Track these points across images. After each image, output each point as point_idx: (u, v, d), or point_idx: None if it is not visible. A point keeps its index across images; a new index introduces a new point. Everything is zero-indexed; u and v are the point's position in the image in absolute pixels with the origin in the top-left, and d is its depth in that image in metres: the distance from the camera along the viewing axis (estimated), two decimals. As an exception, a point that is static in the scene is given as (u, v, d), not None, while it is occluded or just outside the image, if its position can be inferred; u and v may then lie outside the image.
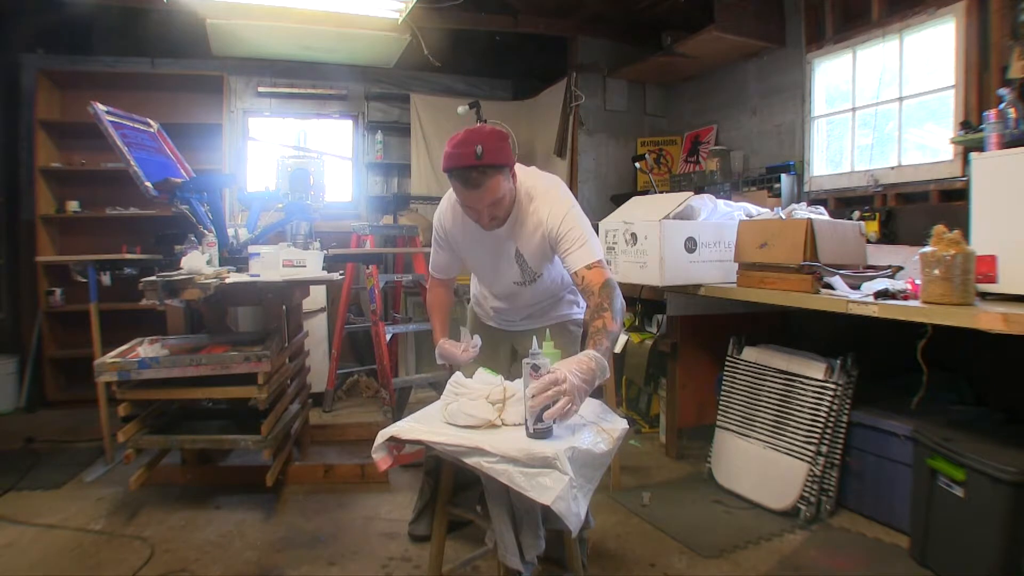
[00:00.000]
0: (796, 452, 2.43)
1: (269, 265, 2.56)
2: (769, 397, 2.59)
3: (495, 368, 1.89)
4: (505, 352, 2.14)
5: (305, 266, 2.65)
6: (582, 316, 2.10)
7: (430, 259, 2.07)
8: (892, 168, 3.00)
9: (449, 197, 1.89)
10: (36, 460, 3.02)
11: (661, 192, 3.85)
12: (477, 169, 1.62)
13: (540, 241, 1.79)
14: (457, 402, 1.55)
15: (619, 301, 1.67)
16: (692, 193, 2.75)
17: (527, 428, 1.43)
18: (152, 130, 3.22)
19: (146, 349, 2.53)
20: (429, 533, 1.69)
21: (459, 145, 1.63)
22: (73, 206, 4.17)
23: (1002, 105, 2.28)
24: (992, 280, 1.87)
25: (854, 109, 3.23)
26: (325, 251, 2.93)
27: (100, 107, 2.83)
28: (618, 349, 3.31)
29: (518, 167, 1.76)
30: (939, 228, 1.81)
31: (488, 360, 1.99)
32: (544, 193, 1.79)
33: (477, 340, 1.88)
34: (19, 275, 4.23)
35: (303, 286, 2.98)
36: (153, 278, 2.28)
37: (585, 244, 1.74)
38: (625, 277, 2.69)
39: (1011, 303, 1.81)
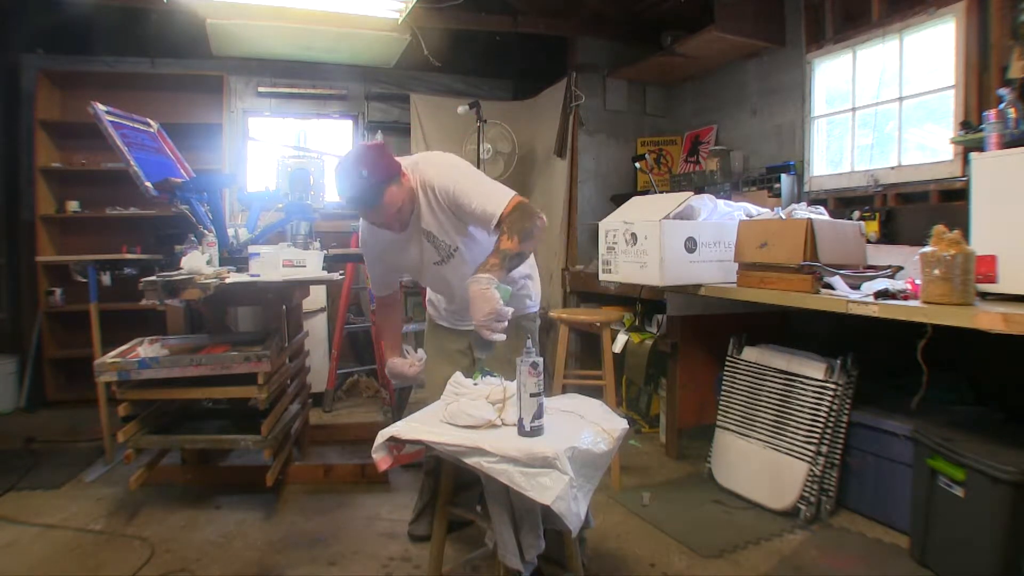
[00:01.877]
0: (796, 452, 2.43)
1: (269, 265, 2.56)
2: (769, 397, 2.59)
3: (453, 367, 1.93)
4: (461, 349, 2.12)
5: (305, 266, 2.65)
6: (536, 310, 2.14)
7: (370, 280, 2.15)
8: (892, 168, 3.00)
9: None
10: (36, 460, 3.02)
11: (661, 192, 3.84)
12: (368, 193, 1.69)
13: (439, 210, 1.81)
14: (457, 402, 1.55)
15: (525, 220, 1.69)
16: (692, 193, 2.74)
17: (521, 427, 1.45)
18: (152, 130, 3.22)
19: (146, 349, 2.53)
20: (429, 533, 1.69)
21: (343, 177, 1.70)
22: (73, 206, 4.17)
23: (1002, 105, 2.28)
24: (992, 280, 1.87)
25: (854, 109, 3.23)
26: (325, 251, 2.92)
27: (100, 107, 2.83)
28: (618, 349, 3.31)
29: (402, 160, 1.80)
30: (939, 228, 1.81)
31: (447, 360, 2.04)
32: (426, 165, 1.83)
33: (421, 354, 1.98)
34: (19, 275, 4.23)
35: (303, 286, 2.98)
36: (153, 278, 2.28)
37: (485, 193, 1.74)
38: (625, 277, 2.69)
39: (1011, 303, 1.81)
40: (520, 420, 1.46)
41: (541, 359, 1.49)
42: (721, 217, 2.72)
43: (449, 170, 1.82)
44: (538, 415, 1.47)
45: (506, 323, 1.59)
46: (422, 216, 1.83)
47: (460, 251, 1.87)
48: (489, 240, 1.87)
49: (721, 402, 2.79)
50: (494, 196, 1.73)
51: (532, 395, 1.46)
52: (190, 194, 2.74)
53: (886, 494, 2.32)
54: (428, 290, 2.19)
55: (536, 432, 1.45)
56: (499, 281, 1.60)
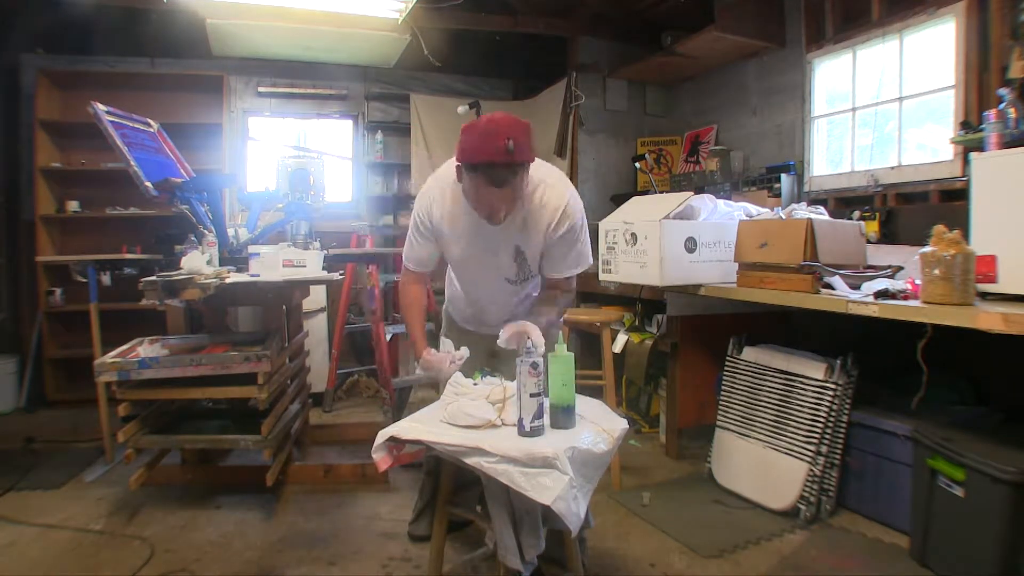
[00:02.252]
0: (796, 452, 2.43)
1: (269, 265, 2.56)
2: (769, 397, 2.59)
3: (472, 373, 1.90)
4: (481, 357, 2.01)
5: (305, 266, 2.65)
6: (560, 320, 2.09)
7: (406, 250, 1.90)
8: (892, 168, 3.00)
9: (439, 186, 1.76)
10: (36, 460, 3.02)
11: (661, 192, 3.84)
12: (507, 167, 1.49)
13: (546, 236, 1.72)
14: (457, 402, 1.55)
15: (569, 302, 1.79)
16: (692, 193, 2.74)
17: (521, 427, 1.46)
18: (152, 130, 3.22)
19: (146, 349, 2.53)
20: (429, 533, 1.69)
21: (487, 137, 1.48)
22: (73, 206, 4.17)
23: (1002, 105, 2.28)
24: (992, 280, 1.87)
25: (854, 109, 3.23)
26: (325, 251, 2.92)
27: (100, 107, 2.83)
28: (618, 349, 3.31)
29: None
30: (939, 228, 1.81)
31: (466, 366, 1.91)
32: (553, 185, 1.71)
33: (464, 352, 1.76)
34: (19, 275, 4.23)
35: (303, 286, 2.98)
36: (153, 278, 2.28)
37: (582, 257, 1.77)
38: (625, 277, 2.69)
39: (1011, 303, 1.81)
40: (520, 420, 1.47)
41: (542, 360, 1.50)
42: (721, 217, 2.72)
43: (578, 207, 1.74)
44: (538, 415, 1.48)
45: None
46: (525, 234, 1.72)
47: (535, 277, 1.85)
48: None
49: (721, 402, 2.79)
50: (587, 256, 1.80)
51: (532, 395, 1.46)
52: (190, 194, 2.74)
53: (886, 494, 2.31)
54: (453, 292, 2.06)
55: (536, 432, 1.46)
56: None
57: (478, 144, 1.50)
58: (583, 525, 1.51)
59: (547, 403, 1.61)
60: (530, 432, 1.46)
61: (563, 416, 1.50)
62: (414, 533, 2.25)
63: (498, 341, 1.67)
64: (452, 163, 1.70)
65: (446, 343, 1.80)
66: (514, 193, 1.56)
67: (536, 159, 1.69)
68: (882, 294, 1.95)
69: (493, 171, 1.50)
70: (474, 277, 1.89)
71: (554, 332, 1.65)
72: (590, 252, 1.80)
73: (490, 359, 2.04)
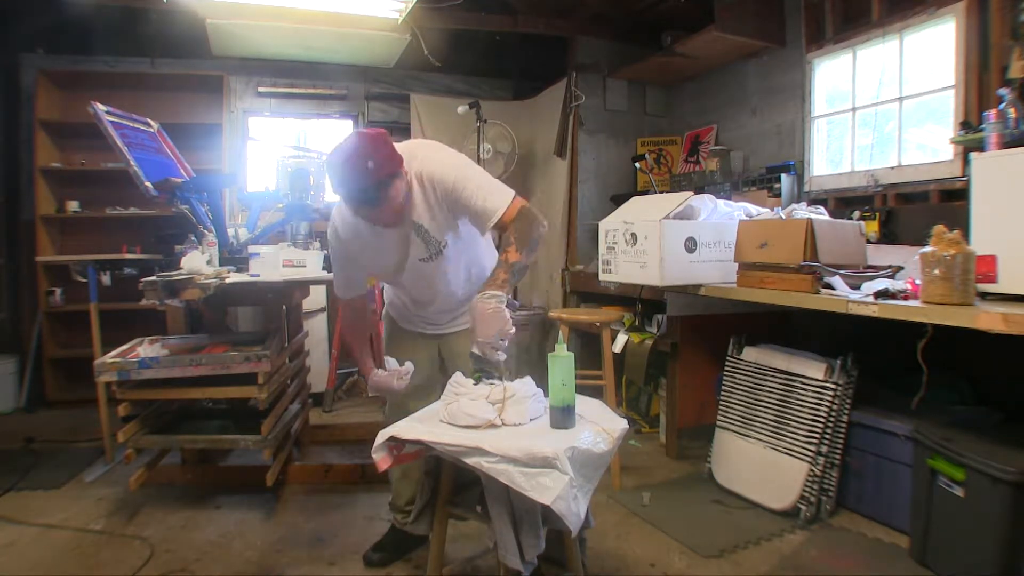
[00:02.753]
0: (796, 452, 2.43)
1: (269, 265, 2.56)
2: (769, 397, 2.59)
3: (422, 374, 1.92)
4: (431, 357, 2.05)
5: (305, 266, 2.65)
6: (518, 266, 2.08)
7: (334, 281, 1.97)
8: (892, 168, 3.00)
9: (338, 211, 1.83)
10: (36, 460, 3.02)
11: (661, 192, 3.85)
12: (373, 187, 1.55)
13: (435, 203, 1.72)
14: (457, 402, 1.55)
15: (531, 230, 1.64)
16: (692, 193, 2.74)
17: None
18: (152, 130, 3.22)
19: (146, 349, 2.53)
20: (429, 533, 1.69)
21: (347, 166, 1.55)
22: (73, 206, 4.17)
23: (1002, 105, 2.28)
24: (992, 280, 1.87)
25: (854, 109, 3.23)
26: (325, 251, 2.92)
27: (100, 107, 2.83)
28: (618, 349, 3.31)
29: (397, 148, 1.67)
30: (939, 228, 1.80)
31: (414, 366, 1.94)
32: (423, 157, 1.72)
33: (409, 366, 1.84)
34: (19, 275, 4.23)
35: (303, 286, 2.99)
36: (153, 278, 2.28)
37: (486, 189, 1.67)
38: (625, 277, 2.69)
39: (1011, 303, 1.81)
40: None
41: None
42: (721, 217, 2.72)
43: (450, 161, 1.74)
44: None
45: (507, 343, 1.56)
46: (415, 208, 1.74)
47: (448, 247, 1.81)
48: (473, 238, 1.86)
49: (721, 402, 2.79)
50: (495, 194, 1.67)
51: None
52: (190, 194, 2.74)
53: (886, 494, 2.32)
54: (392, 291, 2.08)
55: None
56: (507, 297, 1.56)
57: (340, 177, 1.57)
58: (583, 525, 1.51)
59: (546, 401, 1.62)
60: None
61: (563, 416, 1.50)
62: (414, 533, 2.24)
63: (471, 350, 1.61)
64: None
65: (390, 361, 1.87)
66: (391, 204, 1.62)
67: (411, 141, 1.80)
68: (882, 294, 1.95)
69: (360, 196, 1.58)
70: (397, 274, 1.90)
71: (514, 278, 1.61)
72: (497, 189, 1.70)
73: (437, 359, 2.07)
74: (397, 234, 1.79)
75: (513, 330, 1.56)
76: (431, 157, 1.74)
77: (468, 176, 1.70)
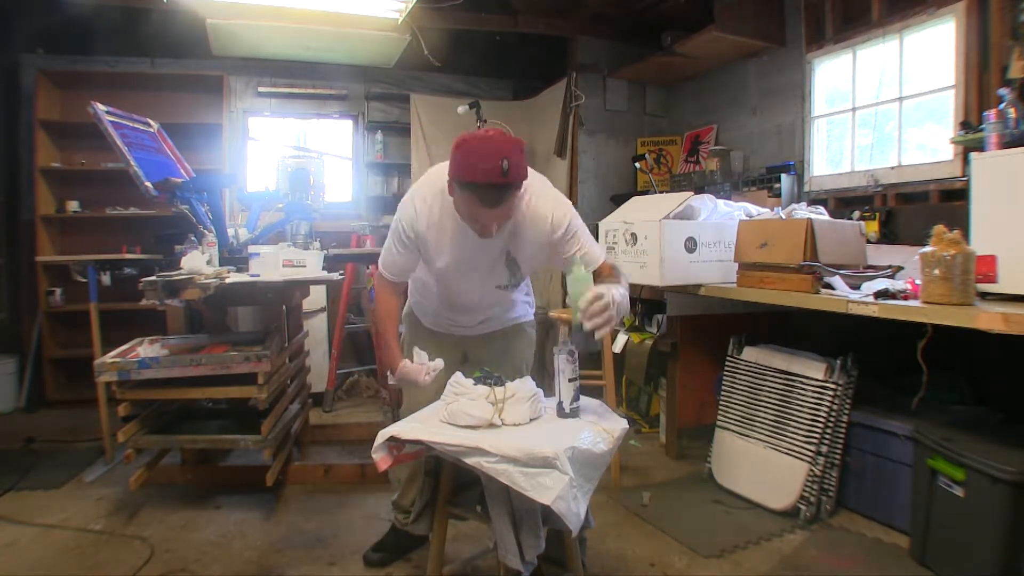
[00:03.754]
0: (796, 452, 2.43)
1: (269, 265, 2.56)
2: (769, 397, 2.59)
3: (447, 373, 1.88)
4: (455, 359, 1.98)
5: (305, 266, 2.65)
6: (533, 318, 2.11)
7: (383, 258, 1.86)
8: (892, 168, 3.00)
9: (424, 196, 1.72)
10: (36, 460, 3.02)
11: (661, 192, 3.85)
12: (501, 188, 1.48)
13: (539, 243, 1.71)
14: (457, 402, 1.55)
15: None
16: (692, 193, 2.74)
17: (561, 409, 1.59)
18: (152, 130, 3.22)
19: (146, 349, 2.53)
20: (429, 533, 1.69)
21: (483, 157, 1.47)
22: (73, 206, 4.17)
23: (1002, 105, 2.28)
24: (992, 280, 1.87)
25: (854, 109, 3.23)
26: (325, 251, 2.93)
27: (100, 107, 2.83)
28: (618, 349, 3.31)
29: None
30: (939, 228, 1.81)
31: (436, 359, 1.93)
32: (540, 193, 1.70)
33: (439, 362, 1.75)
34: (19, 275, 4.23)
35: (303, 286, 2.98)
36: (153, 278, 2.28)
37: (593, 246, 1.74)
38: (625, 277, 2.69)
39: (1011, 303, 1.81)
40: (560, 403, 1.60)
41: (575, 348, 1.60)
42: (721, 217, 2.72)
43: (566, 208, 1.72)
44: (575, 399, 1.60)
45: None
46: (516, 242, 1.71)
47: (526, 280, 1.86)
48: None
49: (721, 402, 2.79)
50: (598, 248, 1.76)
51: (570, 380, 1.59)
52: (190, 194, 2.74)
53: (886, 494, 2.31)
54: (422, 292, 2.02)
55: (575, 413, 1.60)
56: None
57: (473, 163, 1.48)
58: (583, 525, 1.51)
59: (546, 401, 1.64)
60: (569, 413, 1.59)
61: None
62: (413, 533, 2.24)
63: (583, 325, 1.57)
64: (437, 172, 1.69)
65: (420, 355, 1.77)
66: (508, 212, 1.57)
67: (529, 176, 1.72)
68: (882, 294, 1.95)
69: (488, 192, 1.49)
70: (459, 285, 1.85)
71: (624, 306, 1.61)
72: (595, 242, 1.79)
73: (461, 362, 2.01)
74: (485, 255, 1.74)
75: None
76: (550, 200, 1.71)
77: (579, 225, 1.73)
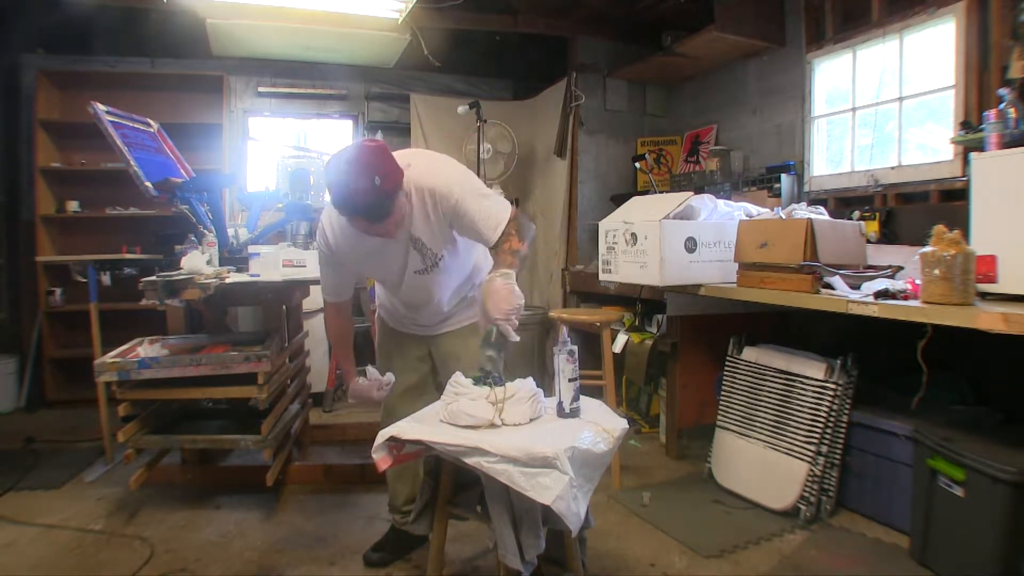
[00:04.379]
0: (796, 452, 2.43)
1: (269, 265, 2.56)
2: (769, 397, 2.59)
3: (416, 373, 1.94)
4: (422, 358, 2.07)
5: (305, 266, 2.65)
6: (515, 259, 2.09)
7: (321, 284, 1.95)
8: (892, 168, 3.00)
9: (328, 215, 1.79)
10: (36, 460, 3.03)
11: (661, 192, 3.85)
12: (377, 203, 1.52)
13: (431, 218, 1.71)
14: (457, 402, 1.55)
15: (527, 228, 1.70)
16: (692, 193, 2.74)
17: (561, 409, 1.59)
18: (152, 130, 3.22)
19: (146, 349, 2.53)
20: (429, 533, 1.69)
21: (351, 181, 1.50)
22: (73, 206, 4.17)
23: (1002, 105, 2.28)
24: (992, 280, 1.87)
25: (854, 109, 3.23)
26: (324, 251, 2.92)
27: (100, 107, 2.83)
28: (618, 349, 3.31)
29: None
30: (939, 228, 1.81)
31: (406, 367, 1.98)
32: (421, 168, 1.70)
33: (390, 377, 1.85)
34: (19, 275, 4.23)
35: (303, 286, 2.98)
36: (153, 278, 2.29)
37: (488, 205, 1.68)
38: (625, 277, 2.69)
39: (1011, 303, 1.81)
40: (560, 403, 1.60)
41: (576, 348, 1.61)
42: (721, 217, 2.72)
43: (451, 176, 1.71)
44: (575, 399, 1.60)
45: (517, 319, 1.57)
46: (413, 222, 1.72)
47: (444, 259, 1.81)
48: (466, 248, 1.87)
49: (721, 402, 2.79)
50: (496, 209, 1.69)
51: (570, 380, 1.59)
52: (190, 194, 2.74)
53: (886, 494, 2.31)
54: (383, 294, 2.08)
55: (575, 413, 1.60)
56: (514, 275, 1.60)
57: (343, 195, 1.52)
58: (583, 525, 1.51)
59: (546, 401, 1.64)
60: (569, 413, 1.59)
61: None
62: (414, 533, 2.24)
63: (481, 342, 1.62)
64: None
65: (371, 371, 1.88)
66: (398, 213, 1.60)
67: (401, 151, 1.73)
68: (882, 294, 1.95)
69: (370, 213, 1.54)
70: (391, 282, 1.90)
71: (519, 263, 1.63)
72: (496, 199, 1.72)
73: (425, 359, 2.08)
74: (394, 246, 1.77)
75: (522, 304, 1.57)
76: (430, 169, 1.72)
77: (470, 191, 1.69)
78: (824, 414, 2.39)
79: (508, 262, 1.61)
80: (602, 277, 2.83)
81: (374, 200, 1.52)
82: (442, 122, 4.64)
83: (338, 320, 2.03)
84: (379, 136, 4.77)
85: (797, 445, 2.44)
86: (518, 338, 1.57)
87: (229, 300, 2.94)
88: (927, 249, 1.81)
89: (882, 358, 2.51)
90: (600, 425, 1.53)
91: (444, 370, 1.94)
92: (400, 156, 1.68)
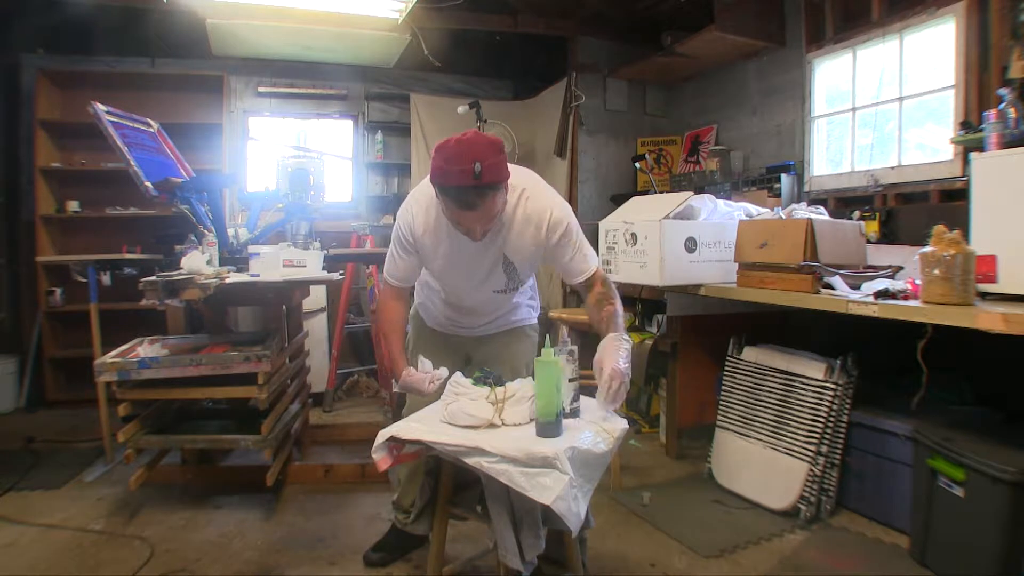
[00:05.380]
0: (796, 452, 2.43)
1: (269, 265, 2.56)
2: (769, 397, 2.59)
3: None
4: (458, 359, 2.01)
5: (305, 266, 2.64)
6: (536, 321, 2.10)
7: (387, 264, 1.86)
8: (892, 168, 3.00)
9: (420, 201, 1.74)
10: (36, 460, 3.02)
11: (661, 192, 3.85)
12: (475, 190, 1.49)
13: (533, 246, 1.72)
14: (457, 402, 1.55)
15: (615, 290, 1.76)
16: (692, 193, 2.74)
17: (561, 409, 1.54)
18: (152, 130, 3.22)
19: (146, 349, 2.53)
20: (429, 533, 1.69)
21: (453, 161, 1.48)
22: (73, 206, 4.17)
23: (1002, 105, 2.28)
24: (992, 280, 1.87)
25: (854, 109, 3.23)
26: (325, 251, 2.92)
27: (100, 107, 2.83)
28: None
29: None
30: (939, 228, 1.81)
31: (437, 366, 1.91)
32: (536, 193, 1.71)
33: (443, 371, 1.76)
34: (19, 275, 4.23)
35: (303, 286, 2.98)
36: (153, 278, 2.28)
37: (588, 250, 1.75)
38: (625, 277, 2.69)
39: (1011, 303, 1.81)
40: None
41: (576, 348, 1.59)
42: (721, 217, 2.72)
43: (564, 207, 1.74)
44: (576, 398, 1.59)
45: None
46: (510, 242, 1.71)
47: (523, 287, 1.87)
48: (531, 281, 1.95)
49: (721, 402, 2.79)
50: (591, 253, 1.77)
51: (570, 380, 1.56)
52: (190, 194, 2.74)
53: (886, 494, 2.31)
54: (427, 294, 2.03)
55: (575, 413, 1.58)
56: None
57: (445, 167, 1.50)
58: (583, 525, 1.51)
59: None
60: (569, 413, 1.55)
61: (552, 427, 1.45)
62: (414, 533, 2.24)
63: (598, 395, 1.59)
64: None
65: (424, 363, 1.78)
66: (487, 213, 1.56)
67: (518, 167, 1.71)
68: (882, 294, 1.95)
69: (462, 194, 1.51)
70: (458, 288, 1.88)
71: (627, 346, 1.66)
72: (590, 248, 1.79)
73: (464, 362, 2.02)
74: (482, 259, 1.75)
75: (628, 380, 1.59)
76: (546, 199, 1.72)
77: (576, 228, 1.74)
78: (824, 414, 2.39)
79: (623, 326, 1.68)
80: (602, 277, 2.82)
81: (470, 185, 1.48)
82: (442, 122, 4.64)
83: (396, 305, 1.91)
84: (379, 136, 4.77)
85: (797, 445, 2.44)
86: (613, 409, 1.58)
87: (229, 300, 2.94)
88: (927, 249, 1.81)
89: (882, 358, 2.51)
90: (600, 425, 1.53)
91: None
92: (516, 173, 1.66)
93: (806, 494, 2.39)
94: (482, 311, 1.94)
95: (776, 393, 2.57)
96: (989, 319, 1.62)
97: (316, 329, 4.06)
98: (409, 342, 2.07)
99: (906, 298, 1.92)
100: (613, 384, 1.52)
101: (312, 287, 3.42)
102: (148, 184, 2.66)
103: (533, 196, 1.70)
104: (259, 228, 3.09)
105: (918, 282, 1.89)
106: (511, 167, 1.61)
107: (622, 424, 1.58)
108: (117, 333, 3.02)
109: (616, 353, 1.57)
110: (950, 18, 2.73)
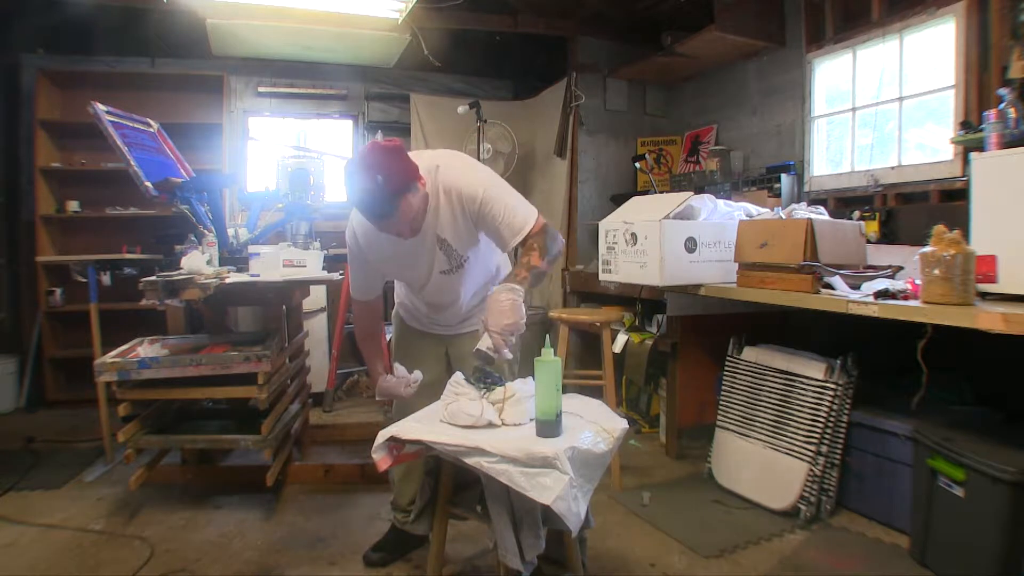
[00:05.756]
0: (796, 452, 2.43)
1: (269, 265, 2.56)
2: (769, 397, 2.59)
3: (429, 374, 1.92)
4: (438, 357, 2.08)
5: (305, 266, 2.65)
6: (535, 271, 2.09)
7: (351, 283, 1.98)
8: (892, 168, 3.00)
9: (356, 215, 1.81)
10: (36, 460, 3.02)
11: (661, 192, 3.84)
12: (383, 201, 1.56)
13: (459, 219, 1.73)
14: (457, 402, 1.55)
15: (554, 244, 1.69)
16: (692, 193, 2.74)
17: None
18: (152, 130, 3.22)
19: (146, 349, 2.53)
20: (429, 533, 1.69)
21: (356, 178, 1.55)
22: (73, 206, 4.17)
23: (1002, 105, 2.28)
24: (992, 280, 1.87)
25: (854, 109, 3.23)
26: (325, 251, 2.92)
27: (100, 107, 2.83)
28: (618, 349, 3.31)
29: (413, 156, 1.65)
30: (939, 228, 1.80)
31: (422, 366, 1.96)
32: (449, 168, 1.72)
33: (418, 375, 1.86)
34: (19, 275, 4.23)
35: (303, 286, 2.98)
36: (153, 278, 2.28)
37: (513, 207, 1.69)
38: (625, 277, 2.69)
39: (1011, 303, 1.81)
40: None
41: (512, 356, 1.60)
42: (721, 217, 2.72)
43: (478, 177, 1.73)
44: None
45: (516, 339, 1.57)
46: (439, 222, 1.74)
47: (469, 260, 1.84)
48: (488, 250, 1.88)
49: (721, 402, 2.79)
50: (522, 213, 1.70)
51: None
52: (190, 194, 2.74)
53: (886, 494, 2.31)
54: (404, 293, 2.09)
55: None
56: (524, 292, 1.58)
57: (352, 189, 1.58)
58: (583, 525, 1.51)
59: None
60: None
61: (551, 427, 1.44)
62: (414, 533, 2.24)
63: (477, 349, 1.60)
64: None
65: (399, 368, 1.89)
66: (404, 216, 1.61)
67: (437, 151, 1.79)
68: (882, 294, 1.95)
69: (373, 208, 1.59)
70: (415, 283, 1.92)
71: (534, 280, 1.63)
72: (522, 205, 1.73)
73: (441, 358, 2.08)
74: (420, 247, 1.79)
75: (524, 327, 1.57)
76: (458, 171, 1.74)
77: (497, 193, 1.70)
78: (824, 414, 2.39)
79: (521, 277, 1.60)
80: (602, 277, 2.83)
81: (377, 199, 1.56)
82: (442, 122, 4.64)
83: (365, 321, 2.05)
84: (379, 136, 4.77)
85: (797, 445, 2.44)
86: (510, 356, 1.56)
87: (229, 300, 2.94)
88: (927, 249, 1.81)
89: (882, 358, 2.51)
90: (600, 425, 1.53)
91: (460, 370, 1.94)
92: (431, 156, 1.74)
93: (806, 494, 2.39)
94: (446, 301, 1.95)
95: (776, 393, 2.57)
96: (989, 319, 1.62)
97: (316, 329, 4.05)
98: (392, 342, 2.17)
99: (906, 298, 1.92)
100: (495, 340, 1.52)
101: (312, 287, 3.42)
102: (148, 184, 2.66)
103: (445, 171, 1.72)
104: (259, 228, 3.09)
105: (918, 282, 1.88)
106: (428, 152, 1.75)
107: (622, 424, 1.58)
108: (117, 333, 3.02)
109: (497, 307, 1.53)
110: (950, 18, 2.73)
